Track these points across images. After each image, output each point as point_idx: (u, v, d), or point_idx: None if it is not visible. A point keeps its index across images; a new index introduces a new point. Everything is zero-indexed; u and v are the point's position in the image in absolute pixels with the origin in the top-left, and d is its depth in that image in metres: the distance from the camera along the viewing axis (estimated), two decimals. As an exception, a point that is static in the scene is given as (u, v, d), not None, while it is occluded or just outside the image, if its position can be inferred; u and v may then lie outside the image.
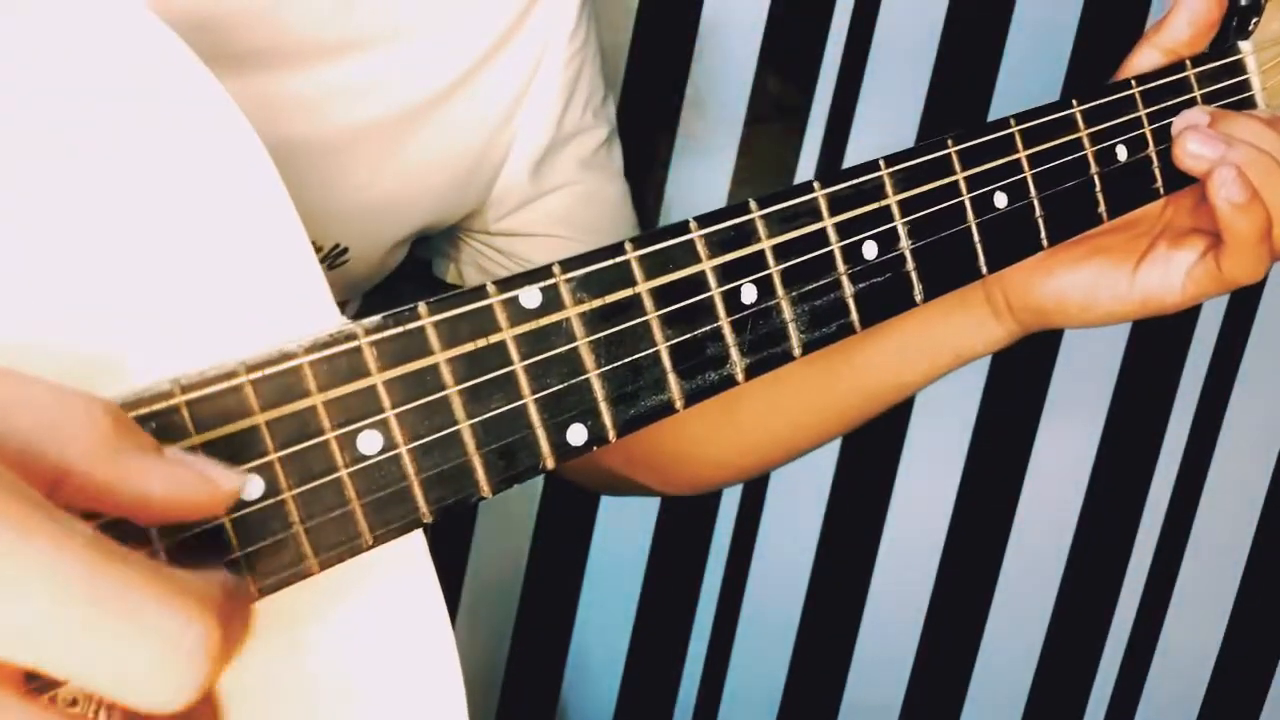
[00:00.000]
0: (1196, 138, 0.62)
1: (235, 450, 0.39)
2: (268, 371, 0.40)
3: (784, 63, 1.49)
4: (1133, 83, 0.64)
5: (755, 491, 1.56)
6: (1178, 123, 0.64)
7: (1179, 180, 0.65)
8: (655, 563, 1.58)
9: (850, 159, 1.50)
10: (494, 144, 0.71)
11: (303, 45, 0.61)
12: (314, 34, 0.61)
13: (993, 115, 1.50)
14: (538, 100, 0.72)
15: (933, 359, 0.72)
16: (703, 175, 1.51)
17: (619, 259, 0.48)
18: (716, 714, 1.62)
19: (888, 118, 1.51)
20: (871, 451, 1.56)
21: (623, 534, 1.56)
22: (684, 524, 1.57)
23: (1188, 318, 1.55)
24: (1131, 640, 1.63)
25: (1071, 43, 1.49)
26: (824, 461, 1.56)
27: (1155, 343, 1.55)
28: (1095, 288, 0.65)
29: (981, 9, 1.49)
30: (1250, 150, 0.61)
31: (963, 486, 1.58)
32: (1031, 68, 1.49)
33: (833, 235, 0.54)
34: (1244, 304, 1.55)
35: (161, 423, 0.38)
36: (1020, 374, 1.56)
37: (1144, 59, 0.66)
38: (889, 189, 0.55)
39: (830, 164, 1.50)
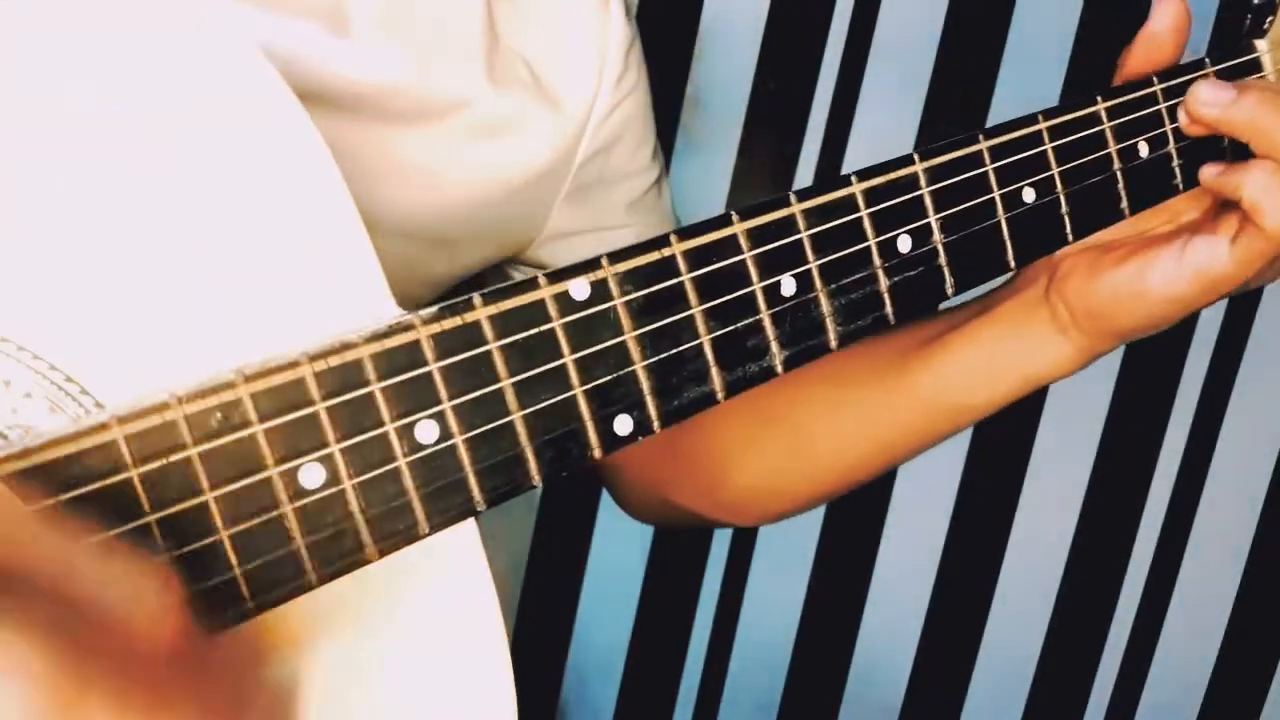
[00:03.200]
0: (1207, 86, 0.63)
1: (296, 439, 0.40)
2: (330, 362, 0.40)
3: (784, 63, 1.50)
4: (1154, 79, 0.64)
5: (755, 491, 1.56)
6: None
7: (1196, 178, 0.65)
8: (655, 563, 1.58)
9: (850, 159, 1.51)
10: (537, 186, 0.71)
11: (356, 98, 0.61)
12: (365, 80, 0.62)
13: (992, 115, 1.50)
14: (586, 145, 0.72)
15: (1000, 382, 0.71)
16: (703, 175, 1.52)
17: (664, 251, 0.48)
18: (716, 714, 1.62)
19: (888, 118, 1.51)
20: (872, 451, 1.57)
21: (623, 534, 1.56)
22: (684, 524, 1.57)
23: (1187, 318, 1.56)
24: (1131, 640, 1.63)
25: (1071, 43, 1.50)
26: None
27: (1156, 342, 1.56)
28: (1144, 274, 0.65)
29: (981, 9, 1.49)
30: (1261, 94, 0.62)
31: (963, 486, 1.59)
32: (1031, 68, 1.50)
33: (869, 229, 0.54)
34: (1244, 304, 1.56)
35: (225, 412, 0.38)
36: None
37: (1135, 62, 0.67)
38: (923, 182, 0.55)
39: (830, 164, 1.51)
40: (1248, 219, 0.63)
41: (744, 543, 1.58)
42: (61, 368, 0.41)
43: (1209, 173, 0.65)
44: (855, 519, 1.59)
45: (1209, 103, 0.63)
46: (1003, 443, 1.59)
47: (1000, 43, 1.50)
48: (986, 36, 1.50)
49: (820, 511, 1.58)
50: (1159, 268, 0.64)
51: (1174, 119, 0.65)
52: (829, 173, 1.51)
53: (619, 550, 1.57)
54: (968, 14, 1.49)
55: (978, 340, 0.71)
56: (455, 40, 0.66)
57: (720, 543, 1.58)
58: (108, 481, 0.37)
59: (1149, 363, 1.57)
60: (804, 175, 1.52)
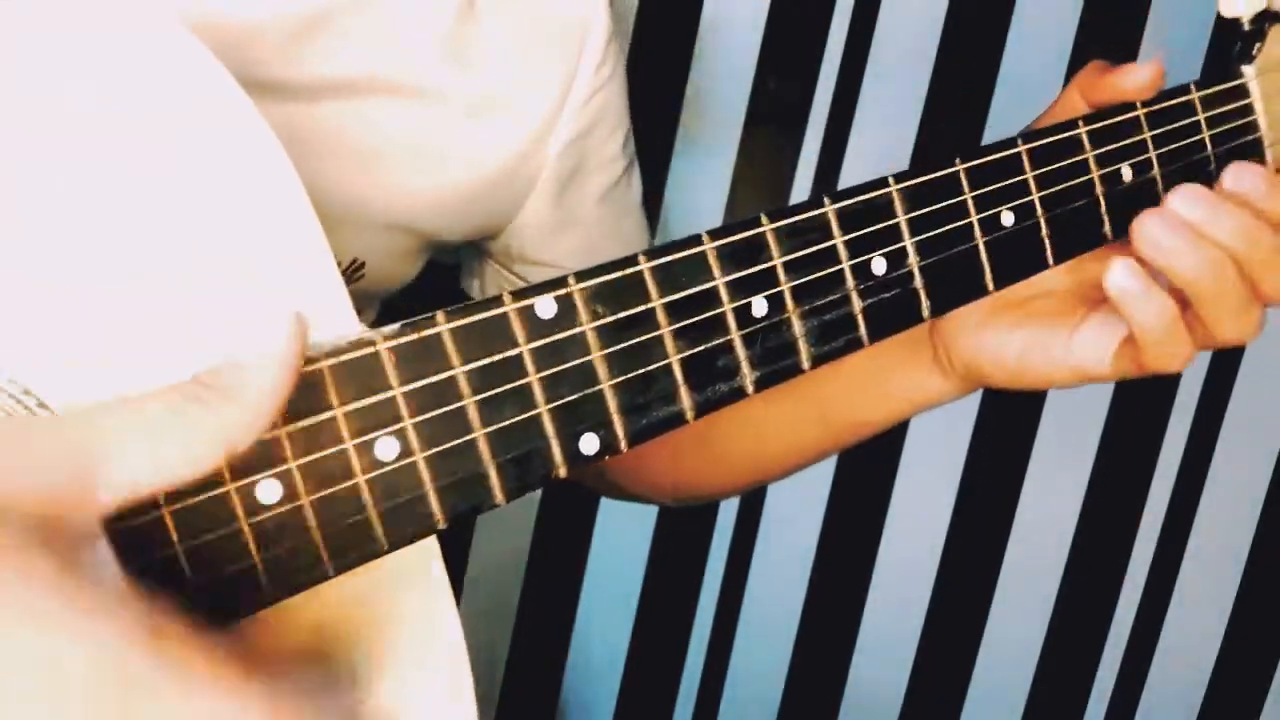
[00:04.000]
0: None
1: (255, 454, 0.40)
2: None
3: (784, 63, 1.50)
4: (1138, 105, 0.63)
5: (755, 491, 1.56)
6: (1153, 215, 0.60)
7: None
8: (655, 563, 1.58)
9: (850, 160, 1.51)
10: (515, 170, 0.72)
11: (320, 81, 0.61)
12: (330, 72, 0.62)
13: (992, 116, 1.50)
14: (563, 131, 0.72)
15: (890, 404, 0.73)
16: (702, 175, 1.51)
17: (632, 270, 0.48)
18: (716, 714, 1.62)
19: (888, 118, 1.51)
20: (872, 450, 1.56)
21: (623, 534, 1.57)
22: (684, 524, 1.57)
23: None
24: (1131, 640, 1.63)
25: (1071, 43, 1.49)
26: (824, 460, 1.56)
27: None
28: (1030, 350, 0.64)
29: (981, 9, 1.49)
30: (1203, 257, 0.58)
31: (963, 485, 1.58)
32: (1031, 68, 1.50)
33: (843, 251, 0.54)
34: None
35: None
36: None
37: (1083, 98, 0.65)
38: (898, 206, 0.55)
39: (830, 165, 1.51)
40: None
41: (744, 543, 1.58)
42: (18, 379, 0.40)
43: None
44: (855, 519, 1.59)
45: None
46: (1003, 442, 1.58)
47: (1000, 43, 1.50)
48: (987, 36, 1.50)
49: (820, 511, 1.58)
50: (1045, 349, 0.63)
51: (1159, 144, 0.64)
52: (829, 173, 1.51)
53: (619, 550, 1.57)
54: (968, 14, 1.49)
55: (867, 367, 0.72)
56: (421, 23, 0.66)
57: (720, 543, 1.58)
58: None
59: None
60: (804, 175, 1.51)
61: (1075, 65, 1.49)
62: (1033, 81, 1.49)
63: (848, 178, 1.51)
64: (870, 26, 1.49)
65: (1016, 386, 0.66)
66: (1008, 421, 1.58)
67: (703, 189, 1.52)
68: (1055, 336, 0.63)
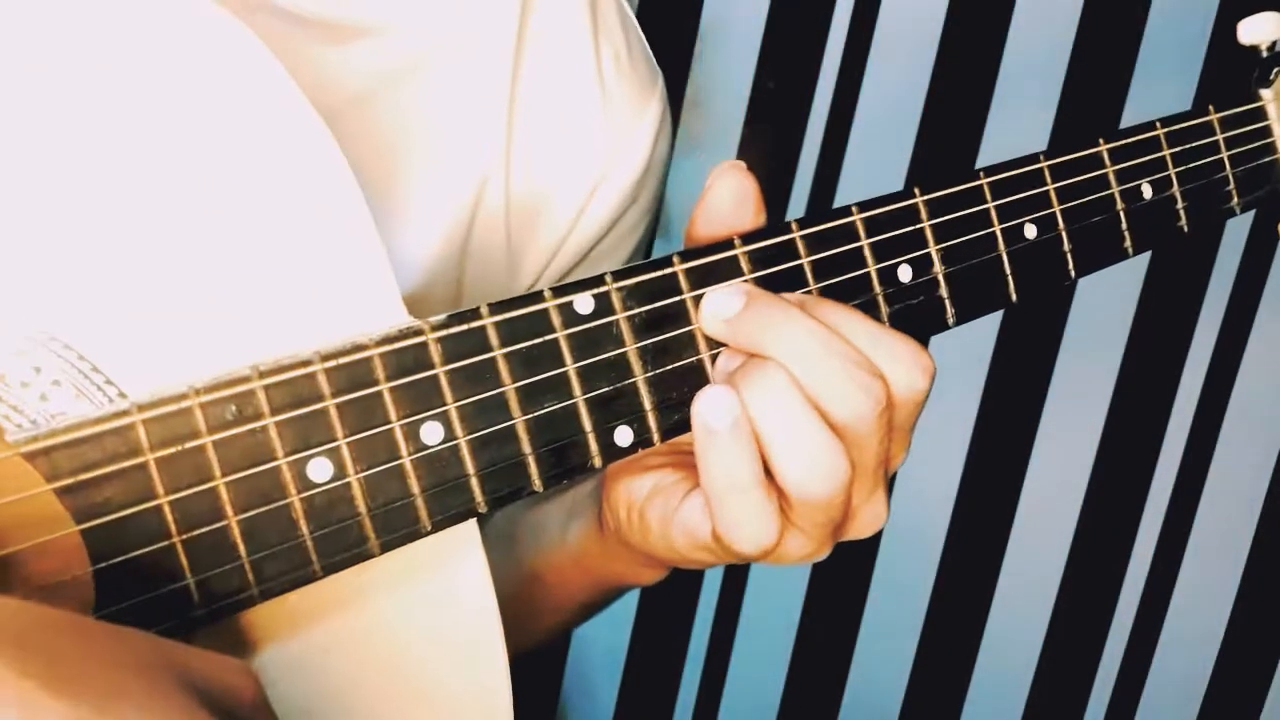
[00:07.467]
0: (713, 295, 0.51)
1: (306, 433, 0.43)
2: (341, 361, 0.43)
3: (784, 63, 1.50)
4: (1157, 124, 0.65)
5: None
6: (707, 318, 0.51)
7: (1204, 220, 0.66)
8: (655, 562, 1.58)
9: (849, 160, 1.51)
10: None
11: None
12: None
13: (992, 115, 1.51)
14: (587, 224, 0.73)
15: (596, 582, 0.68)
16: (702, 176, 1.51)
17: (667, 271, 0.50)
18: (716, 714, 1.62)
19: (888, 118, 1.51)
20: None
21: (623, 534, 1.56)
22: (685, 524, 1.57)
23: (1188, 316, 1.56)
24: (1131, 640, 1.63)
25: (1071, 45, 1.50)
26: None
27: (1156, 341, 1.56)
28: (652, 499, 0.55)
29: (981, 9, 1.50)
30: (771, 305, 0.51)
31: (964, 483, 1.59)
32: (1031, 69, 1.50)
33: (869, 257, 0.55)
34: (1245, 303, 1.56)
35: (239, 405, 0.42)
36: (1021, 370, 1.56)
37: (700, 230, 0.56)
38: (923, 214, 0.57)
39: (829, 165, 1.51)
40: None
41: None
42: (89, 357, 0.43)
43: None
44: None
45: (714, 314, 0.51)
46: (1003, 443, 1.59)
47: (1000, 43, 1.50)
48: (986, 36, 1.50)
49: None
50: (660, 502, 0.55)
51: (1177, 162, 0.66)
52: (828, 174, 1.51)
53: (619, 550, 1.57)
54: (967, 14, 1.49)
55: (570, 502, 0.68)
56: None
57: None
58: (124, 464, 0.40)
59: (1149, 362, 1.57)
60: (804, 175, 1.52)
61: (1075, 65, 1.50)
62: (1033, 82, 1.50)
63: (847, 178, 1.51)
64: (870, 26, 1.49)
65: (645, 546, 0.57)
66: (1008, 420, 1.59)
67: (703, 189, 1.52)
68: (678, 486, 0.54)
